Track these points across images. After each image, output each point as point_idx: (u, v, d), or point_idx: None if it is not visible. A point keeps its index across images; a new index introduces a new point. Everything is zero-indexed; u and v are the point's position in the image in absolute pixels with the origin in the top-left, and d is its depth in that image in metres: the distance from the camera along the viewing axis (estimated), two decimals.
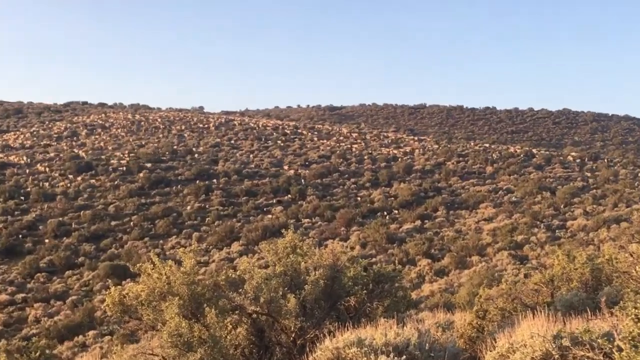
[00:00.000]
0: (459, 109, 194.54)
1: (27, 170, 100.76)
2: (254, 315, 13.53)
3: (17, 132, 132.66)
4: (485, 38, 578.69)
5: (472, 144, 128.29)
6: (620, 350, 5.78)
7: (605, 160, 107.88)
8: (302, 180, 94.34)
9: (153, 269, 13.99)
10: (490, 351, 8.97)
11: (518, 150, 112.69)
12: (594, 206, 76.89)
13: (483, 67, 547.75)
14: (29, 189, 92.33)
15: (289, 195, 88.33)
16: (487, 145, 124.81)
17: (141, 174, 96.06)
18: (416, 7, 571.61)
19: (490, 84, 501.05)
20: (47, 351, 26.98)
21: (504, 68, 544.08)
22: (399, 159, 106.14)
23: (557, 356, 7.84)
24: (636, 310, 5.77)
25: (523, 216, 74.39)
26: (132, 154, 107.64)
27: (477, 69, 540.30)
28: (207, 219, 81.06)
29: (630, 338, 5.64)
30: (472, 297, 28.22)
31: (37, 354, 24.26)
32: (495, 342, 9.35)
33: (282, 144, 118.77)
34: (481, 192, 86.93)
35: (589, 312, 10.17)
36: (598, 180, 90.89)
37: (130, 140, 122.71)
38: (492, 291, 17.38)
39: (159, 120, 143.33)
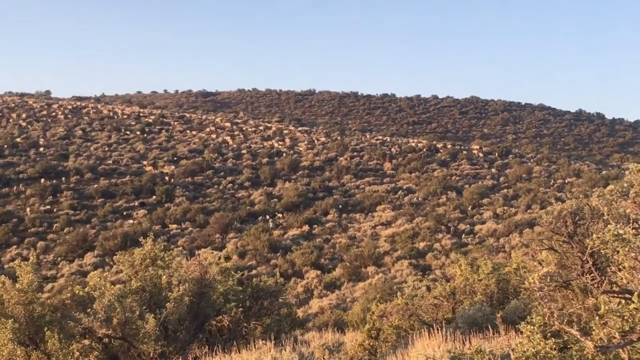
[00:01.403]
0: (353, 95, 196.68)
1: None
2: (106, 340, 13.32)
3: None
4: (384, 14, 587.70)
5: (368, 136, 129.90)
6: None
7: (518, 155, 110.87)
8: (170, 179, 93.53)
9: None
10: None
11: (420, 144, 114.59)
12: (505, 208, 78.91)
13: (380, 49, 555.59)
14: None
15: (154, 197, 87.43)
16: (385, 138, 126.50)
17: None
18: None
19: (389, 68, 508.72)
20: None
21: (404, 50, 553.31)
22: (284, 154, 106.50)
23: None
24: (530, 327, 5.92)
25: (426, 220, 75.63)
26: None
27: (373, 51, 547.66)
28: (55, 225, 79.36)
29: (524, 359, 5.79)
30: (367, 313, 28.55)
31: None
32: None
33: (145, 136, 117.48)
34: (378, 193, 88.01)
35: (492, 330, 10.39)
36: (509, 179, 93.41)
37: None
38: (387, 307, 17.56)
39: None
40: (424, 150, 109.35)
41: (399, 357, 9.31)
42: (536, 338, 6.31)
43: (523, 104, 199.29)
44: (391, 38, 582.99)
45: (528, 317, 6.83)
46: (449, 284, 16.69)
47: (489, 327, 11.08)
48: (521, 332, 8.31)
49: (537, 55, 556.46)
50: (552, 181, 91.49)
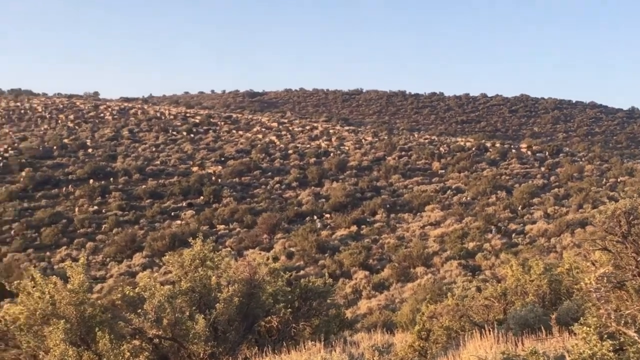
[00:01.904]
0: (401, 94, 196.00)
1: None
2: (156, 340, 13.41)
3: None
4: (430, 13, 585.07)
5: (416, 135, 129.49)
6: None
7: (569, 154, 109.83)
8: (217, 180, 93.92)
9: (34, 286, 13.76)
10: None
11: (469, 143, 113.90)
12: (556, 207, 78.16)
13: (428, 47, 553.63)
14: None
15: (202, 197, 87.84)
16: (433, 137, 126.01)
17: (23, 173, 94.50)
18: None
19: (438, 66, 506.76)
20: None
21: (453, 48, 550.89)
22: (331, 154, 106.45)
23: None
24: (587, 329, 5.86)
25: (475, 220, 75.15)
26: (12, 149, 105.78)
27: (421, 49, 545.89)
28: (103, 226, 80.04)
29: None
30: (416, 314, 28.43)
31: None
32: None
33: (192, 137, 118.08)
34: (427, 192, 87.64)
35: (544, 331, 10.30)
36: (560, 178, 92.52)
37: (10, 132, 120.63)
38: (437, 307, 17.49)
39: (45, 108, 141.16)
40: (473, 149, 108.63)
41: (450, 358, 9.27)
42: (592, 339, 6.25)
43: (574, 102, 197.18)
44: (438, 36, 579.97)
45: (582, 318, 6.76)
46: (500, 284, 16.58)
47: (542, 328, 10.98)
48: (575, 334, 8.25)
49: (588, 53, 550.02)
50: (604, 180, 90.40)
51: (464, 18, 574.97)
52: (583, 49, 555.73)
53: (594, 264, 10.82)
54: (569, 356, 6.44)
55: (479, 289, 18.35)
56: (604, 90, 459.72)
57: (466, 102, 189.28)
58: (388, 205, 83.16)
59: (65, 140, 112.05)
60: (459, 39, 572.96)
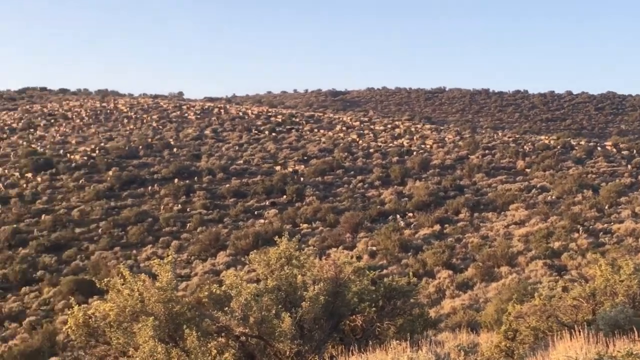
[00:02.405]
0: (484, 93, 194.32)
1: None
2: (243, 338, 13.52)
3: None
4: (514, 9, 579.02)
5: (500, 134, 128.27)
6: None
7: None
8: (300, 179, 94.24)
9: (123, 284, 13.99)
10: None
11: (554, 142, 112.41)
12: None
13: (512, 44, 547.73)
14: None
15: (285, 196, 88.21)
16: (517, 135, 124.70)
17: (110, 172, 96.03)
18: None
19: (521, 63, 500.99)
20: None
21: (537, 45, 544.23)
22: (414, 153, 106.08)
23: None
24: None
25: (561, 219, 74.09)
26: (100, 149, 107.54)
27: (505, 47, 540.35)
28: (188, 225, 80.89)
29: None
30: (501, 314, 28.17)
31: None
32: None
33: (275, 136, 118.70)
34: (511, 191, 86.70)
35: (636, 332, 10.14)
36: None
37: (97, 132, 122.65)
38: (523, 307, 17.30)
39: (131, 108, 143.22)
40: (558, 147, 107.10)
41: (539, 358, 9.16)
42: None
43: None
44: (522, 33, 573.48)
45: None
46: (588, 284, 16.33)
47: (634, 329, 10.80)
48: None
49: None
50: None
51: (548, 13, 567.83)
52: None
53: None
54: None
55: (565, 289, 18.08)
56: None
57: (551, 100, 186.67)
58: (471, 205, 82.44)
59: (151, 140, 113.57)
60: (543, 35, 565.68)
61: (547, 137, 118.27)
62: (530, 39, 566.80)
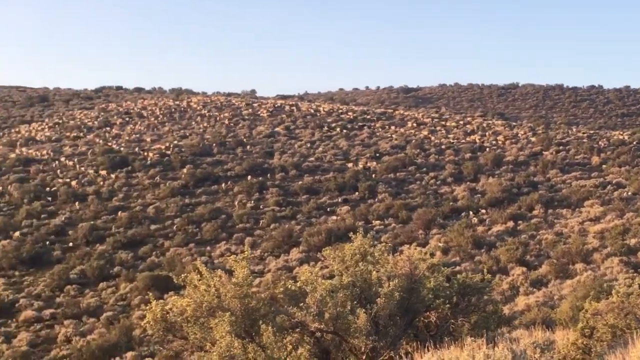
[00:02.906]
0: (558, 88, 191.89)
1: (54, 167, 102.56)
2: (318, 334, 13.57)
3: (42, 123, 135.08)
4: (587, 2, 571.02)
5: (574, 130, 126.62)
6: None
7: None
8: (372, 175, 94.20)
9: (200, 280, 14.13)
10: None
11: (629, 137, 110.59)
12: None
13: (586, 39, 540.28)
14: (56, 188, 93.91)
15: (357, 193, 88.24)
16: (592, 131, 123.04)
17: (184, 170, 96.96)
18: None
19: (596, 58, 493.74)
20: None
21: (612, 37, 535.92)
22: (487, 149, 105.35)
23: None
24: None
25: (637, 215, 72.91)
26: (174, 146, 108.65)
27: (578, 41, 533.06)
28: (261, 222, 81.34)
29: None
30: (576, 312, 27.84)
31: None
32: None
33: (348, 133, 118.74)
34: (586, 188, 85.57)
35: None
36: None
37: (172, 130, 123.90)
38: (600, 305, 17.05)
39: (204, 106, 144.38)
40: (634, 143, 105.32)
41: (619, 356, 9.04)
42: None
43: None
44: (595, 27, 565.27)
45: None
46: None
47: None
48: None
49: None
50: None
51: (623, 4, 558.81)
52: None
53: None
54: None
55: None
56: None
57: (626, 95, 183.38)
58: (545, 201, 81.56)
59: (224, 138, 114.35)
60: (617, 29, 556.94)
61: (622, 133, 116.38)
62: (605, 32, 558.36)
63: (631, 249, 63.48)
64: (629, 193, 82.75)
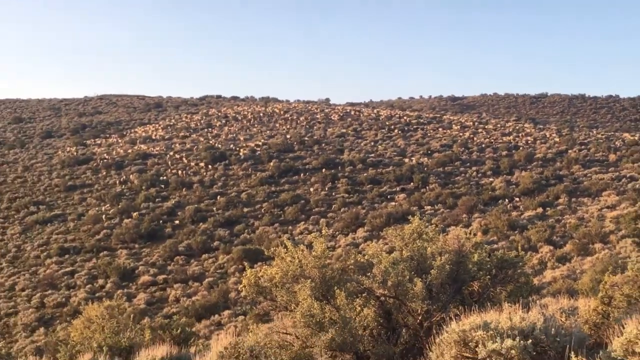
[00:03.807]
0: (581, 97, 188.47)
1: (166, 160, 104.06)
2: (382, 298, 13.59)
3: (157, 125, 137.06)
4: (610, 23, 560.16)
5: (594, 132, 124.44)
6: None
7: None
8: (425, 169, 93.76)
9: (286, 253, 14.23)
10: (618, 337, 8.72)
11: None
12: None
13: (607, 53, 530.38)
14: (167, 178, 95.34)
15: (412, 183, 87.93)
16: (609, 133, 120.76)
17: (271, 163, 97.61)
18: None
19: (614, 71, 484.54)
20: (187, 328, 27.86)
21: (629, 52, 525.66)
22: (520, 148, 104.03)
23: None
24: None
25: None
26: (263, 144, 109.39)
27: (600, 56, 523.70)
28: (333, 206, 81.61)
29: None
30: (596, 283, 27.42)
31: (178, 330, 25.12)
32: (623, 328, 9.08)
33: (405, 134, 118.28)
34: (604, 180, 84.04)
35: None
36: None
37: (261, 131, 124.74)
38: (616, 278, 16.80)
39: (287, 112, 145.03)
40: None
41: (634, 320, 8.90)
42: None
43: None
44: (615, 37, 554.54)
45: None
46: None
47: None
48: None
49: None
50: None
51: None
52: None
53: None
54: None
55: None
56: None
57: (639, 103, 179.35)
58: (569, 191, 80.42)
59: (303, 137, 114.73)
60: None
61: (634, 135, 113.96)
62: (623, 46, 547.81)
63: None
64: None
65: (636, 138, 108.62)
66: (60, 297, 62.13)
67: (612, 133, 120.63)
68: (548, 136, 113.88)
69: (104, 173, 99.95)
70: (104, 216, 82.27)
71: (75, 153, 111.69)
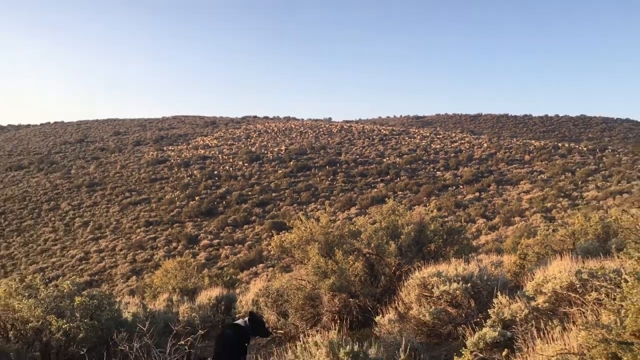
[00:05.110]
0: (506, 116, 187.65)
1: (219, 161, 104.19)
2: (367, 255, 13.58)
3: (212, 136, 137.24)
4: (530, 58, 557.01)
5: (514, 140, 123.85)
6: (626, 281, 5.52)
7: (611, 150, 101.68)
8: (397, 166, 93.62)
9: (301, 224, 14.24)
10: (530, 281, 8.71)
11: (548, 144, 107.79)
12: (603, 182, 72.86)
13: (523, 81, 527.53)
14: (219, 172, 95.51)
15: (388, 176, 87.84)
16: (525, 141, 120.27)
17: (291, 162, 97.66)
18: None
19: (530, 95, 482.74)
20: (233, 277, 27.92)
21: (543, 83, 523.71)
22: (463, 151, 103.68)
23: (578, 285, 7.54)
24: (638, 254, 5.48)
25: (551, 190, 71.34)
26: (285, 149, 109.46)
27: (521, 83, 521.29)
28: (334, 192, 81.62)
29: (634, 273, 5.36)
30: (515, 245, 27.35)
31: (227, 278, 25.16)
32: (534, 275, 9.06)
33: (383, 142, 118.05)
34: (521, 173, 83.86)
35: (601, 256, 9.70)
36: (606, 164, 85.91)
37: (284, 140, 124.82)
38: (530, 241, 16.76)
39: (302, 127, 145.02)
40: (550, 147, 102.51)
41: (542, 270, 8.89)
42: (635, 257, 5.80)
43: (615, 118, 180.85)
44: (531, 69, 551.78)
45: (624, 249, 6.30)
46: (569, 227, 15.69)
47: (600, 255, 10.34)
48: (621, 259, 7.72)
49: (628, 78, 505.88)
50: (635, 166, 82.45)
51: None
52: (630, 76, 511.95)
53: (632, 217, 10.12)
54: (624, 271, 6.04)
55: (555, 230, 17.43)
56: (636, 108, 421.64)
57: (546, 120, 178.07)
58: (497, 181, 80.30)
59: (313, 144, 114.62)
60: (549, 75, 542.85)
61: (542, 142, 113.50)
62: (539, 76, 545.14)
63: (548, 209, 62.34)
64: (546, 176, 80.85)
65: (542, 144, 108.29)
66: (146, 255, 62.43)
67: (527, 141, 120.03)
68: (482, 143, 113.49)
69: (176, 170, 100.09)
70: (176, 199, 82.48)
71: (156, 156, 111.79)
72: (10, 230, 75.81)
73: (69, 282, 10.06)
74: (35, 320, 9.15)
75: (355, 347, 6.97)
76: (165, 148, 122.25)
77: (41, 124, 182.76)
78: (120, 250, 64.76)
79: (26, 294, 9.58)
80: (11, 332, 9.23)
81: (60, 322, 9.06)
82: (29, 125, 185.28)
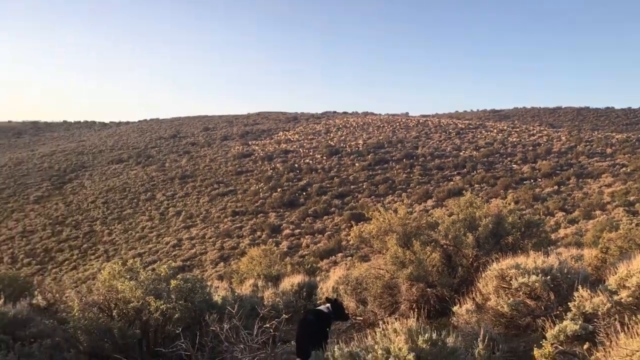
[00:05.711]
0: (587, 109, 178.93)
1: (300, 154, 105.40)
2: (445, 246, 13.37)
3: (294, 131, 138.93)
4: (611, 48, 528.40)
5: (596, 133, 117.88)
6: None
7: None
8: (474, 159, 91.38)
9: (380, 215, 14.20)
10: (612, 275, 8.31)
11: (631, 137, 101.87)
12: None
13: (605, 73, 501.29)
14: (300, 166, 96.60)
15: (465, 169, 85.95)
16: (607, 134, 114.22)
17: (369, 156, 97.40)
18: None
19: (613, 87, 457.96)
20: (314, 265, 28.24)
21: (626, 75, 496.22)
22: (542, 144, 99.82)
23: None
24: None
25: (635, 183, 67.46)
26: (363, 143, 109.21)
27: (604, 76, 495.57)
28: (411, 184, 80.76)
29: None
30: (596, 239, 26.10)
31: (309, 266, 25.48)
32: (616, 269, 8.64)
33: (460, 136, 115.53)
34: (602, 166, 79.80)
35: None
36: None
37: (362, 134, 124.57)
38: (612, 234, 15.96)
39: (379, 121, 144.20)
40: (633, 140, 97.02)
41: (625, 264, 8.47)
42: None
43: None
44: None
45: None
46: None
47: None
48: None
49: None
50: None
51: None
52: None
53: None
54: None
55: (637, 225, 16.50)
56: None
57: (629, 112, 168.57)
58: (578, 174, 76.94)
59: (391, 139, 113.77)
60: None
61: (624, 135, 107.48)
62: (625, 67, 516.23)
63: (630, 203, 59.09)
64: (629, 170, 76.52)
65: (625, 137, 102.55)
66: (233, 243, 64.20)
67: (609, 134, 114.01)
68: (562, 136, 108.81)
69: (260, 163, 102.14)
70: (260, 191, 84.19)
71: (242, 150, 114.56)
72: (112, 219, 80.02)
73: (165, 267, 10.53)
74: (136, 301, 9.64)
75: (434, 335, 6.91)
76: (250, 142, 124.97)
77: (139, 121, 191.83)
78: (210, 238, 66.87)
79: (128, 277, 10.09)
80: (115, 311, 9.77)
81: (158, 303, 9.50)
82: (128, 122, 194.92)
